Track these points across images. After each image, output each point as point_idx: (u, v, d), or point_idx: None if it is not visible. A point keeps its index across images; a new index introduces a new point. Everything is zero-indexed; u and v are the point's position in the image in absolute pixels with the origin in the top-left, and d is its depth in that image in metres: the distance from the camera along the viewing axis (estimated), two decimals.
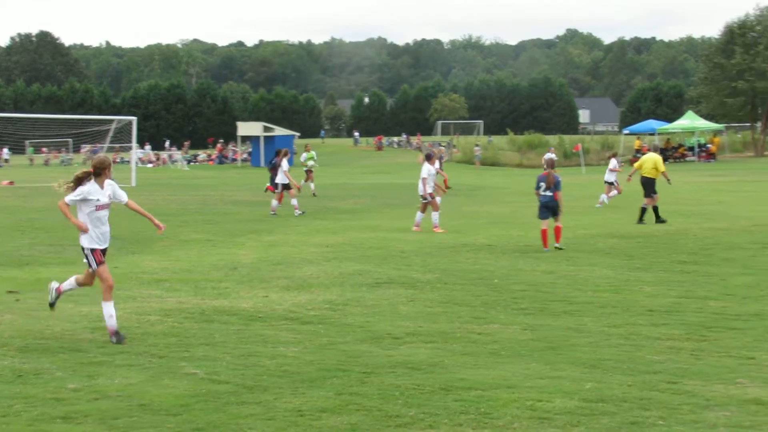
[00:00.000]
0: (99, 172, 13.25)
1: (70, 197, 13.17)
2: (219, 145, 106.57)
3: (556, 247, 23.31)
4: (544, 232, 23.61)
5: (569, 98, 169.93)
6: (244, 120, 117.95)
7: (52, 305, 14.02)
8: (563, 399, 10.14)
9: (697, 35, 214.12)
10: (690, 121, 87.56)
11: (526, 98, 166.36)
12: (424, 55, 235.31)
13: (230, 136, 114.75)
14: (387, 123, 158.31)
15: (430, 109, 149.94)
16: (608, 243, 24.39)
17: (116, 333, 12.92)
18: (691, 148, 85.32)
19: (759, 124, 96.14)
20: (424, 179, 28.52)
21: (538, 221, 23.93)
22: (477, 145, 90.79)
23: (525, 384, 10.77)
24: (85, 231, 13.10)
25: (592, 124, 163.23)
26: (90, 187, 13.17)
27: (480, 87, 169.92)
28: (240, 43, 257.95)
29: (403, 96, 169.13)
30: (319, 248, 24.19)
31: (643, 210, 29.58)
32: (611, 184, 38.27)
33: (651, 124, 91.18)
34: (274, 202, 34.92)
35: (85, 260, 13.29)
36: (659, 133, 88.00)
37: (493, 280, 18.68)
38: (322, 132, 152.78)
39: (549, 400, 10.08)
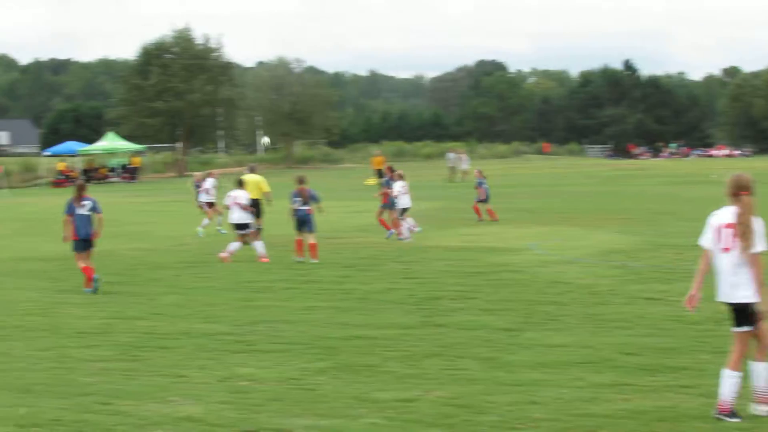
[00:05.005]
0: None
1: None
2: None
3: (310, 262, 23.59)
4: (299, 242, 24.13)
5: None
6: None
7: None
8: None
9: (113, 57, 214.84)
10: (110, 142, 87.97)
11: None
12: None
13: None
14: None
15: None
16: (33, 266, 23.88)
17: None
18: (113, 170, 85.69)
19: (179, 145, 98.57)
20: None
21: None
22: None
23: None
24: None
25: (13, 146, 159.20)
26: None
27: None
28: None
29: None
30: None
31: None
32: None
33: (72, 145, 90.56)
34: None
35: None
36: (81, 155, 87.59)
37: None
38: None
39: None
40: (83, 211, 19.89)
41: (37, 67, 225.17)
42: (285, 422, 9.97)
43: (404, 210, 29.34)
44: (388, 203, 29.54)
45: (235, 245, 24.62)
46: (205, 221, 32.68)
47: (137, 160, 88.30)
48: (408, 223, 29.38)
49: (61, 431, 9.73)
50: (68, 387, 11.56)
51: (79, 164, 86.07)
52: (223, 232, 31.53)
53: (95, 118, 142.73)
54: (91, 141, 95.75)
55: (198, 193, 35.18)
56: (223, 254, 24.33)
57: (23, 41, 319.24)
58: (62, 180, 78.53)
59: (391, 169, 30.67)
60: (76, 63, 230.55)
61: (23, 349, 13.95)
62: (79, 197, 20.02)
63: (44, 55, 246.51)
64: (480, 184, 35.52)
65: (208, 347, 13.93)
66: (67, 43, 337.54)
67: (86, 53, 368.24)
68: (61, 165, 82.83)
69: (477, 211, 35.14)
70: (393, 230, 29.20)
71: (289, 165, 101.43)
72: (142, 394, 11.17)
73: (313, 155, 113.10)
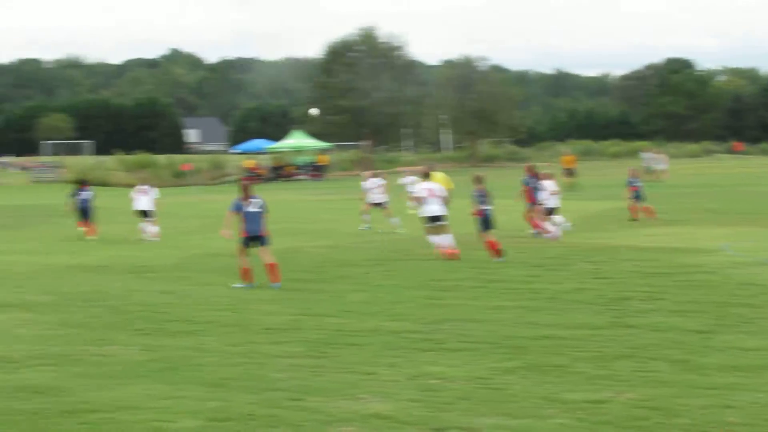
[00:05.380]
0: None
1: None
2: None
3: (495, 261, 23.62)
4: (490, 244, 23.98)
5: (176, 118, 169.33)
6: None
7: None
8: (188, 419, 10.08)
9: (298, 55, 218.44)
10: (297, 140, 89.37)
11: (132, 118, 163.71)
12: (25, 74, 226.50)
13: None
14: None
15: (36, 129, 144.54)
16: (222, 262, 24.34)
17: None
18: (300, 167, 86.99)
19: (366, 143, 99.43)
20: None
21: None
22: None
23: (148, 405, 10.65)
24: None
25: (202, 143, 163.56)
26: None
27: (85, 106, 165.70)
28: None
29: (7, 116, 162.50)
30: None
31: None
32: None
33: (259, 143, 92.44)
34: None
35: None
36: (268, 152, 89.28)
37: (109, 301, 18.27)
38: None
39: (173, 421, 10.01)
40: (253, 208, 20.23)
41: (224, 66, 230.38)
42: (473, 421, 9.92)
43: (552, 210, 29.22)
44: (534, 202, 29.23)
45: (437, 238, 24.63)
46: (366, 216, 33.15)
47: (324, 158, 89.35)
48: (557, 221, 29.20)
49: (253, 425, 9.86)
50: (258, 382, 11.73)
51: (266, 162, 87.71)
52: (366, 228, 32.58)
53: (281, 116, 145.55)
54: (276, 139, 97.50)
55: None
56: (446, 250, 24.27)
57: (210, 41, 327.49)
58: (251, 177, 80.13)
59: (531, 169, 30.23)
60: (261, 61, 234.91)
61: (215, 344, 14.22)
62: (247, 196, 20.37)
63: (230, 54, 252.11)
64: (631, 183, 35.06)
65: (397, 345, 13.94)
66: (253, 42, 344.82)
67: (271, 52, 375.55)
68: (249, 162, 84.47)
69: (647, 210, 34.58)
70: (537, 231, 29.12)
71: (474, 164, 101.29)
72: (331, 391, 11.25)
73: (499, 154, 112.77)
